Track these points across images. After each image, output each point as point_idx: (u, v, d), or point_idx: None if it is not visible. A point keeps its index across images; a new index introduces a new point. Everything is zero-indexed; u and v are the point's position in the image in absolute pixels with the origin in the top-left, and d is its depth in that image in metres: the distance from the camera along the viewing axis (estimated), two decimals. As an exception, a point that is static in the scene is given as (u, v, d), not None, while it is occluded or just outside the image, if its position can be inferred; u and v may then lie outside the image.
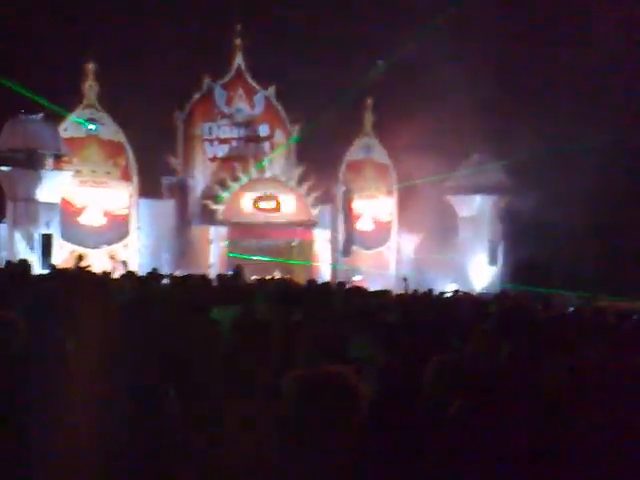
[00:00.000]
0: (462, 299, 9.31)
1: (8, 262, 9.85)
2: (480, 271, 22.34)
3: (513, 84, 19.67)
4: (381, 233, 23.70)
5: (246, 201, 20.89)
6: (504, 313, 6.81)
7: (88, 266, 12.24)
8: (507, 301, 8.64)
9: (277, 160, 22.13)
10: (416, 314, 6.31)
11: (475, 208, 22.72)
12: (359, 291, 8.30)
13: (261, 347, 3.82)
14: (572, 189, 17.75)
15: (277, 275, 16.31)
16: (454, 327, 5.69)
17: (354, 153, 23.40)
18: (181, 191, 21.52)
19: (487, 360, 4.10)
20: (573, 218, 18.02)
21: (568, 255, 18.59)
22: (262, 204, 20.99)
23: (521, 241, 20.10)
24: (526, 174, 20.08)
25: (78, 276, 9.00)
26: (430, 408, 2.89)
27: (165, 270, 14.83)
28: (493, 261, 22.38)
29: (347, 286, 10.07)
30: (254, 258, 19.19)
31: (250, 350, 3.90)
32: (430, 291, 10.84)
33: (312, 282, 10.34)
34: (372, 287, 12.94)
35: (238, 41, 22.07)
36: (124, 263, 15.72)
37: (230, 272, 13.78)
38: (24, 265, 9.09)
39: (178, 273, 13.21)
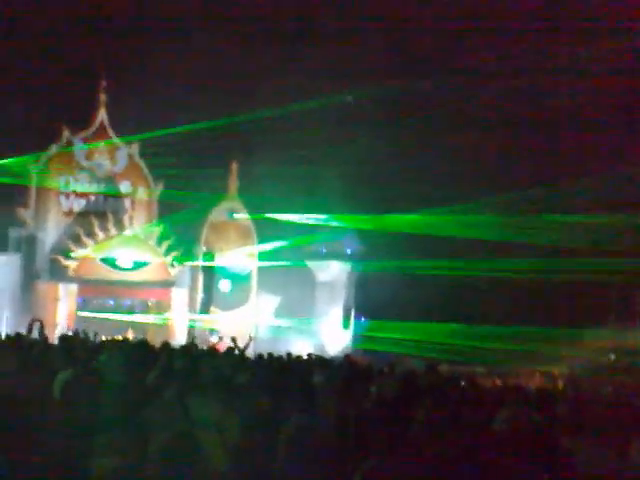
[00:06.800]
0: (314, 362, 9.60)
1: None
2: (335, 335, 22.95)
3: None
4: (241, 294, 23.68)
5: (102, 258, 20.16)
6: (349, 375, 7.13)
7: None
8: (352, 365, 9.00)
9: (137, 218, 21.70)
10: (269, 377, 6.46)
11: (331, 274, 23.51)
12: (212, 353, 8.32)
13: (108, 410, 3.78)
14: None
15: (130, 335, 15.76)
16: (305, 388, 5.92)
17: (218, 214, 23.46)
18: (30, 245, 20.39)
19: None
20: (422, 292, 19.50)
21: (415, 326, 19.81)
22: (119, 262, 20.34)
23: (373, 308, 21.07)
24: (381, 243, 21.23)
25: None
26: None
27: (4, 330, 13.86)
28: (346, 325, 23.12)
29: (201, 348, 10.01)
30: (105, 317, 18.46)
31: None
32: (288, 355, 11.05)
33: (166, 344, 10.13)
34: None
35: (103, 96, 21.80)
36: None
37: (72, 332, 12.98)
38: None
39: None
